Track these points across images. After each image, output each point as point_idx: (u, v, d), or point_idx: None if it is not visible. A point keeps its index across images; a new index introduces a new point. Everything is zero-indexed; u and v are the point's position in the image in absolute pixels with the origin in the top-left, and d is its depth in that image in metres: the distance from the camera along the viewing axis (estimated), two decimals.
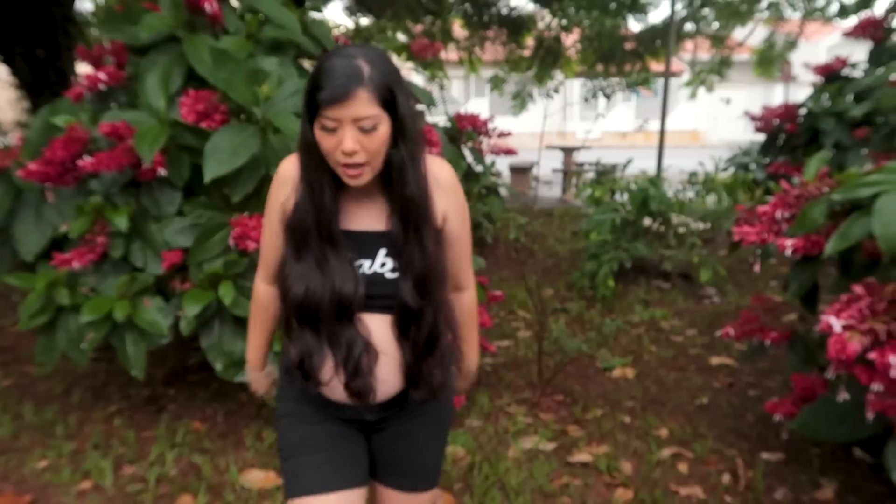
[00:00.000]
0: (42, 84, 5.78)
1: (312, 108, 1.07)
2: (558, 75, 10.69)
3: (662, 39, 8.62)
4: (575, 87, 15.41)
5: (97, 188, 2.45)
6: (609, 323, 2.67)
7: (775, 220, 2.14)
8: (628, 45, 8.47)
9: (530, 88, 10.43)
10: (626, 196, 4.45)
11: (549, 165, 10.33)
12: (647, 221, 4.49)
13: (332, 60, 1.06)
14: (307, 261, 1.15)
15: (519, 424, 2.69)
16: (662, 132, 5.82)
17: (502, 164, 8.82)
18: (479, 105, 15.58)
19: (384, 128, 1.07)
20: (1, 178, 2.44)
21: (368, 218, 1.19)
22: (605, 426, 2.69)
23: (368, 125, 1.05)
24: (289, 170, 1.20)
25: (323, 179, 1.13)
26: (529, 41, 9.44)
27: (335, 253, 1.14)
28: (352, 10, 8.98)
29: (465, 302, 1.35)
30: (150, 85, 2.45)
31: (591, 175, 8.30)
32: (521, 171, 9.50)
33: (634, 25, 8.64)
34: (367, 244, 1.17)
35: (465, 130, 3.29)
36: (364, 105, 1.04)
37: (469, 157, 3.34)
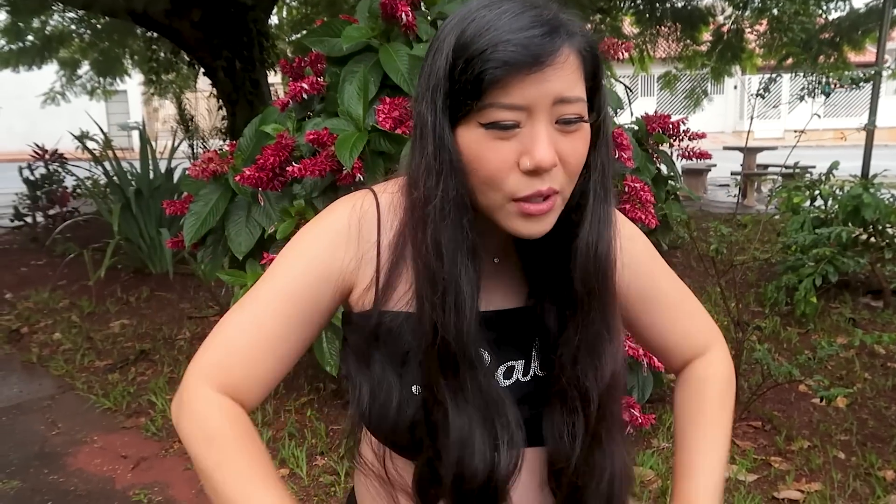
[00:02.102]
0: (238, 93, 6.34)
1: (464, 96, 0.62)
2: (737, 71, 10.03)
3: (864, 27, 7.77)
4: (754, 84, 14.40)
5: (300, 192, 2.61)
6: (825, 345, 2.40)
7: None
8: (824, 35, 7.73)
9: (705, 86, 9.89)
10: (830, 202, 4.03)
11: (725, 168, 9.69)
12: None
13: (502, 5, 0.63)
14: (442, 396, 0.67)
15: None
16: (871, 130, 5.21)
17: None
18: (646, 105, 15.00)
19: (587, 128, 0.65)
20: (218, 182, 2.67)
21: (501, 287, 0.74)
22: (815, 461, 2.43)
23: (573, 114, 0.62)
24: (362, 221, 0.71)
25: (462, 251, 0.65)
26: (706, 35, 8.92)
27: (476, 375, 0.68)
28: None
29: (712, 372, 0.85)
30: (348, 94, 2.56)
31: (776, 178, 7.66)
32: (695, 174, 9.00)
33: (833, 11, 7.84)
34: (511, 332, 0.73)
35: (654, 133, 3.13)
36: (571, 76, 0.62)
37: (658, 163, 3.18)
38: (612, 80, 7.59)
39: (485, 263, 0.71)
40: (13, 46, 8.70)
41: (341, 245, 0.70)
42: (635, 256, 0.80)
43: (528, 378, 0.73)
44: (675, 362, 0.86)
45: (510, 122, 0.61)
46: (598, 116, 0.67)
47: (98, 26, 8.50)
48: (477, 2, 0.64)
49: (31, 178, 6.93)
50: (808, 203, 4.25)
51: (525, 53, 0.59)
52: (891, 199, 3.92)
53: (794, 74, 7.14)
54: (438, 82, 0.63)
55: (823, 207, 4.19)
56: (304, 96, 2.78)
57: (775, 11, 6.71)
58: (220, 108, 7.35)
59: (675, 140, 3.18)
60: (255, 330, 0.68)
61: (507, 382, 0.72)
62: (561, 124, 0.62)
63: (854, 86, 3.50)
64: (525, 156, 0.61)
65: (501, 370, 0.72)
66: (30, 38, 8.64)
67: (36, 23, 8.44)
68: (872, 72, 3.57)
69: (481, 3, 0.63)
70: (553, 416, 0.72)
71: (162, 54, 8.69)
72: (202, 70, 6.89)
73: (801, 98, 3.18)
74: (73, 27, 8.70)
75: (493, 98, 0.61)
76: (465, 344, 0.66)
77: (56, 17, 8.47)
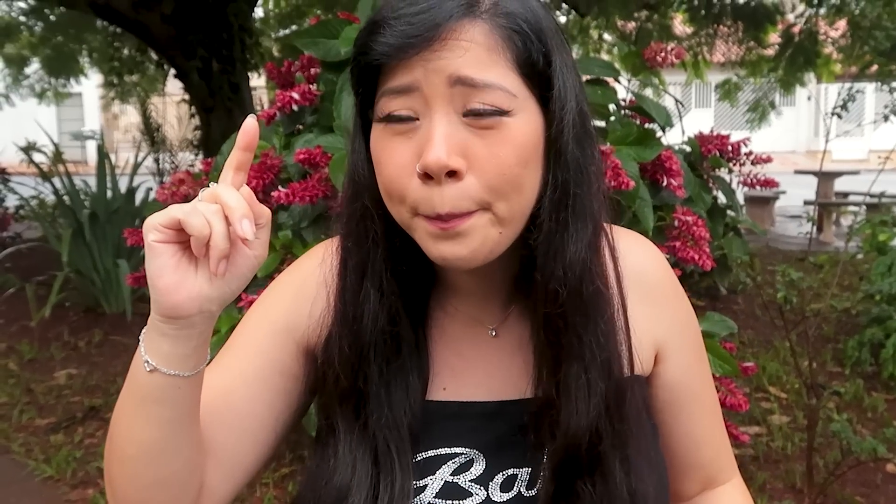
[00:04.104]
0: (215, 99, 6.45)
1: (363, 87, 0.65)
2: (811, 80, 10.09)
3: None
4: (832, 95, 14.48)
5: (286, 221, 2.65)
6: None
7: None
8: None
9: (772, 97, 9.95)
10: None
11: (797, 195, 9.69)
12: None
13: None
14: (341, 451, 0.70)
15: None
16: None
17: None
18: (701, 119, 15.11)
19: (525, 125, 0.62)
20: None
21: (502, 369, 0.73)
22: None
23: (483, 103, 0.60)
24: (313, 271, 0.75)
25: (369, 275, 0.68)
26: (773, 37, 9.01)
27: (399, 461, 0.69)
28: (548, 6, 9.12)
29: None
30: (346, 105, 2.61)
31: (858, 209, 7.67)
32: (760, 203, 9.02)
33: None
34: (515, 430, 0.71)
35: (709, 156, 3.16)
36: (479, 55, 0.60)
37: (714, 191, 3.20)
38: (661, 91, 7.67)
39: (478, 336, 0.74)
40: None
41: (303, 297, 0.75)
42: (684, 335, 0.78)
43: (535, 492, 0.70)
44: (691, 486, 0.84)
45: (402, 113, 0.62)
46: (555, 117, 0.64)
47: (52, 18, 8.70)
48: None
49: None
50: None
51: (408, 29, 0.59)
52: None
53: (879, 86, 7.19)
54: (353, 80, 0.67)
55: None
56: (294, 107, 2.84)
57: (856, 12, 6.79)
58: (192, 115, 7.46)
59: (735, 164, 3.20)
60: (240, 345, 0.75)
61: (506, 497, 0.70)
62: (470, 117, 0.61)
63: None
64: (419, 158, 0.61)
65: (498, 480, 0.70)
66: None
67: None
68: None
69: None
70: None
71: (125, 52, 8.86)
72: (172, 71, 7.01)
73: (887, 118, 3.22)
74: (22, 19, 8.90)
75: (384, 84, 0.62)
76: (361, 367, 0.69)
77: (2, 6, 8.68)
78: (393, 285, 0.69)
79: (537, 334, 0.68)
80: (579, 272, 0.65)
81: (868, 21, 6.48)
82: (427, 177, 0.60)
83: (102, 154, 5.74)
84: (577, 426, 0.66)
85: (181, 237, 0.58)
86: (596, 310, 0.67)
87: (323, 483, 0.69)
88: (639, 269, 0.75)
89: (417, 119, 0.62)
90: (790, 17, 8.67)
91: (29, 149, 6.69)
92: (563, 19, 9.16)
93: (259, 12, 8.93)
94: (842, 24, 7.77)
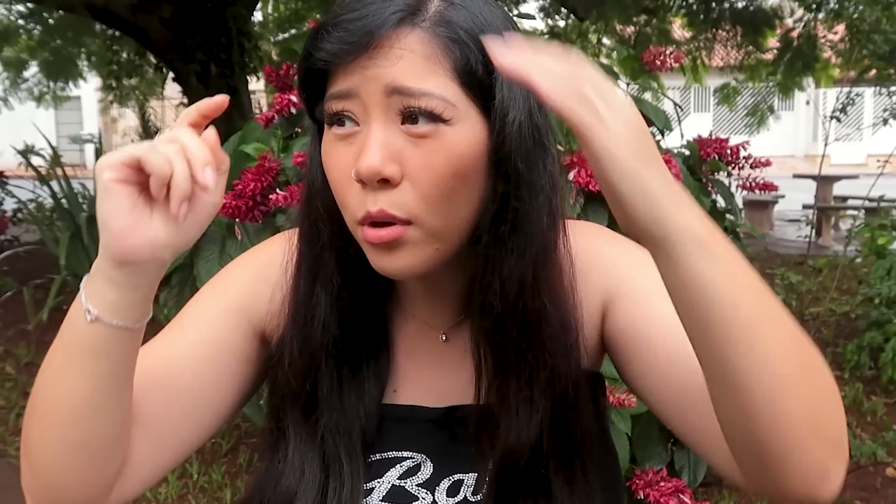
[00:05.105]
0: None
1: (311, 94, 0.65)
2: (810, 84, 10.10)
3: None
4: (830, 99, 14.52)
5: (284, 224, 2.65)
6: None
7: None
8: None
9: (771, 101, 9.96)
10: None
11: (796, 199, 9.70)
12: None
13: None
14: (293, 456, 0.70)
15: None
16: None
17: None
18: (700, 123, 15.13)
19: (463, 135, 0.61)
20: None
21: (452, 375, 0.73)
22: None
23: (421, 108, 0.59)
24: (278, 256, 0.73)
25: (321, 280, 0.69)
26: (772, 41, 9.03)
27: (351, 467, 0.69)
28: (548, 12, 9.14)
29: None
30: None
31: (857, 213, 7.67)
32: (759, 207, 9.03)
33: None
34: (463, 435, 0.70)
35: (708, 159, 3.16)
36: (417, 64, 0.59)
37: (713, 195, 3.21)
38: (659, 95, 7.67)
39: (430, 341, 0.73)
40: None
41: (263, 279, 0.73)
42: (633, 276, 0.71)
43: (480, 497, 0.69)
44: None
45: (341, 115, 0.62)
46: (497, 128, 0.62)
47: (50, 22, 8.71)
48: None
49: None
50: (895, 245, 4.26)
51: (344, 35, 0.59)
52: None
53: (877, 90, 7.20)
54: (300, 82, 0.66)
55: None
56: (292, 110, 2.84)
57: (854, 16, 6.80)
58: None
59: (734, 168, 3.20)
60: (191, 319, 0.73)
61: (452, 501, 0.69)
62: (407, 124, 0.60)
63: None
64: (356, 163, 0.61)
65: (444, 485, 0.70)
66: None
67: None
68: None
69: None
70: None
71: (124, 55, 8.86)
72: (171, 75, 7.03)
73: (885, 121, 3.22)
74: (20, 22, 8.91)
75: (328, 88, 0.62)
76: (308, 367, 0.69)
77: (0, 9, 8.69)
78: (345, 291, 0.68)
79: (476, 347, 0.67)
80: (518, 288, 0.64)
81: (867, 25, 6.49)
82: (364, 183, 0.60)
83: (100, 157, 5.74)
84: (516, 442, 0.65)
85: (139, 177, 0.55)
86: (538, 326, 0.65)
87: (272, 486, 0.69)
88: (583, 251, 0.71)
89: (359, 125, 0.62)
90: (789, 21, 8.68)
91: (27, 152, 6.70)
92: (562, 23, 9.19)
93: (258, 16, 8.95)
94: (840, 28, 7.78)
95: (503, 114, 0.62)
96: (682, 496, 2.40)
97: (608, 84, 0.52)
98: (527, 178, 0.63)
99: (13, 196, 7.12)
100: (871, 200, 6.53)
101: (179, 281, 2.89)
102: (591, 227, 0.79)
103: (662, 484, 2.43)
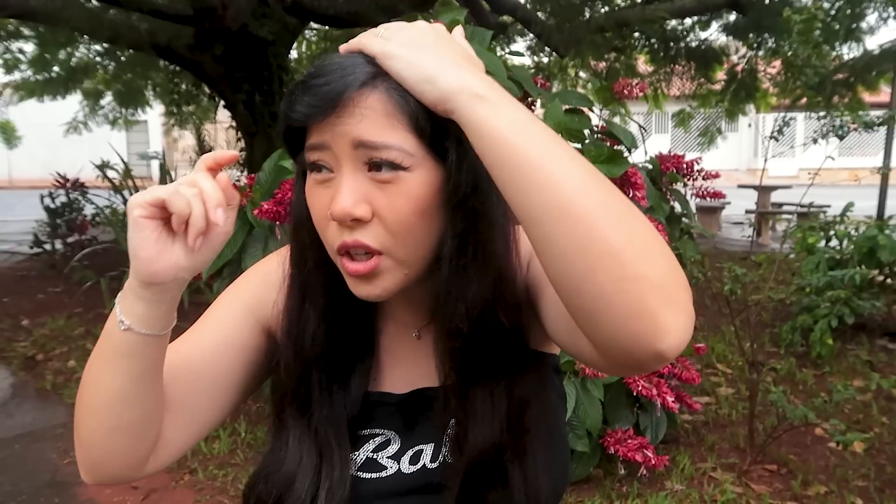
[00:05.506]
0: (257, 126, 6.46)
1: (293, 144, 0.64)
2: (751, 109, 10.06)
3: (879, 68, 7.81)
4: (768, 122, 14.44)
5: None
6: (841, 389, 2.38)
7: None
8: (839, 76, 7.77)
9: (719, 124, 9.93)
10: (845, 243, 4.02)
11: (740, 206, 9.67)
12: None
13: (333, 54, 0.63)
14: (292, 440, 0.69)
15: (728, 494, 2.46)
16: (886, 171, 5.21)
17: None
18: (660, 142, 15.09)
19: (421, 179, 0.60)
20: (238, 215, 2.72)
21: (420, 366, 0.72)
22: None
23: (383, 159, 0.59)
24: (280, 265, 0.73)
25: (311, 297, 0.68)
26: (720, 74, 9.00)
27: (338, 444, 0.69)
28: (534, 50, 9.12)
29: None
30: None
31: (791, 217, 7.65)
32: (709, 212, 8.99)
33: (846, 53, 7.89)
34: (424, 413, 0.71)
35: (667, 172, 3.15)
36: (378, 121, 0.59)
37: (672, 201, 3.19)
38: (626, 118, 7.64)
39: (405, 338, 0.73)
40: (39, 77, 8.93)
41: (268, 285, 0.72)
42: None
43: (437, 465, 0.69)
44: None
45: (318, 164, 0.61)
46: (453, 176, 0.61)
47: (122, 59, 8.72)
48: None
49: (52, 206, 7.05)
50: (822, 243, 4.24)
51: (312, 100, 0.58)
52: None
53: (808, 115, 7.17)
54: (281, 130, 0.65)
55: (839, 248, 4.18)
56: None
57: (789, 53, 6.77)
58: (238, 139, 7.46)
59: (689, 179, 3.20)
60: (209, 327, 0.72)
61: (413, 468, 0.69)
62: (373, 171, 0.59)
63: (868, 128, 3.52)
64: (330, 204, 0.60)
65: (408, 454, 0.70)
66: (56, 69, 8.87)
67: (62, 54, 8.67)
68: (887, 115, 3.59)
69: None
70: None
71: (183, 86, 8.86)
72: (222, 102, 7.02)
73: (815, 140, 3.22)
74: (97, 59, 8.92)
75: (307, 139, 0.61)
76: (309, 369, 0.68)
77: (82, 49, 8.70)
78: (331, 309, 0.68)
79: (442, 361, 0.66)
80: (481, 310, 0.63)
81: (800, 60, 6.47)
82: (341, 223, 0.60)
83: (164, 171, 5.75)
84: (483, 444, 0.65)
85: (163, 214, 0.56)
86: (498, 340, 0.65)
87: (274, 470, 0.69)
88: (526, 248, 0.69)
89: (333, 171, 0.61)
90: (734, 57, 8.67)
91: (103, 167, 6.70)
92: (546, 60, 9.16)
93: (293, 54, 8.95)
94: (778, 63, 7.76)
95: (458, 164, 0.61)
96: (645, 451, 2.40)
97: (399, 27, 0.60)
98: (483, 215, 0.63)
99: (92, 203, 7.13)
100: (802, 206, 6.52)
101: (230, 273, 2.89)
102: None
103: (629, 441, 2.43)
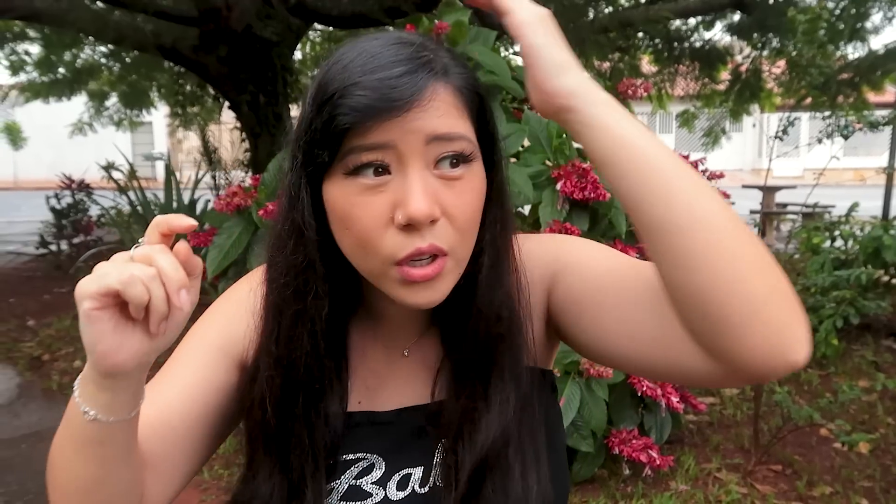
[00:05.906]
0: (261, 127, 6.47)
1: (322, 146, 0.56)
2: (756, 109, 10.03)
3: (884, 68, 7.79)
4: (773, 122, 14.42)
5: None
6: (846, 389, 2.38)
7: None
8: (843, 76, 7.75)
9: (723, 124, 9.91)
10: (850, 243, 4.00)
11: (744, 206, 9.65)
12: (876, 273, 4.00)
13: (366, 43, 0.58)
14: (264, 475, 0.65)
15: (733, 494, 2.46)
16: (891, 171, 5.20)
17: None
18: (664, 141, 15.03)
19: (481, 170, 0.60)
20: (242, 216, 2.72)
21: (409, 384, 0.68)
22: None
23: (452, 152, 0.57)
24: (246, 296, 0.68)
25: (316, 318, 0.62)
26: (724, 74, 8.98)
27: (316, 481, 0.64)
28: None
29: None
30: None
31: (795, 217, 7.63)
32: None
33: (851, 52, 7.87)
34: (412, 434, 0.67)
35: None
36: (447, 113, 0.56)
37: None
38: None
39: (392, 357, 0.69)
40: (45, 78, 8.96)
41: (238, 317, 0.67)
42: (567, 251, 0.67)
43: (427, 489, 0.65)
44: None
45: (376, 164, 0.55)
46: (493, 166, 0.61)
47: (127, 60, 8.74)
48: (351, 40, 0.60)
49: (57, 206, 7.08)
50: (827, 243, 4.23)
51: (378, 97, 0.53)
52: None
53: (813, 115, 7.16)
54: (300, 133, 0.59)
55: (844, 248, 4.16)
56: None
57: (793, 53, 6.75)
58: (243, 140, 7.47)
59: None
60: (181, 369, 0.66)
61: (401, 495, 0.64)
62: (441, 168, 0.56)
63: (873, 128, 3.51)
64: (399, 208, 0.55)
65: (395, 479, 0.65)
66: (61, 70, 8.90)
67: (68, 56, 8.69)
68: (892, 114, 3.58)
69: (352, 42, 0.59)
70: None
71: (188, 87, 8.89)
72: (227, 103, 7.03)
73: (820, 140, 3.21)
74: (103, 61, 8.94)
75: (352, 142, 0.55)
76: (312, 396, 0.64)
77: (87, 50, 8.72)
78: (329, 330, 0.63)
79: (459, 352, 0.63)
80: (509, 298, 0.63)
81: (804, 60, 6.45)
82: (408, 226, 0.55)
83: (169, 172, 5.77)
84: (496, 433, 0.62)
85: (117, 300, 0.49)
86: (514, 330, 0.64)
87: (248, 495, 0.65)
88: (531, 264, 0.67)
89: (389, 172, 0.56)
90: (738, 57, 8.64)
91: (108, 168, 6.72)
92: None
93: (297, 55, 8.95)
94: (782, 63, 7.75)
95: (497, 157, 0.62)
96: (650, 451, 2.40)
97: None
98: (512, 215, 0.64)
99: (97, 204, 7.15)
100: (807, 207, 6.50)
101: (235, 274, 2.90)
102: (520, 237, 0.72)
103: (634, 441, 2.43)
